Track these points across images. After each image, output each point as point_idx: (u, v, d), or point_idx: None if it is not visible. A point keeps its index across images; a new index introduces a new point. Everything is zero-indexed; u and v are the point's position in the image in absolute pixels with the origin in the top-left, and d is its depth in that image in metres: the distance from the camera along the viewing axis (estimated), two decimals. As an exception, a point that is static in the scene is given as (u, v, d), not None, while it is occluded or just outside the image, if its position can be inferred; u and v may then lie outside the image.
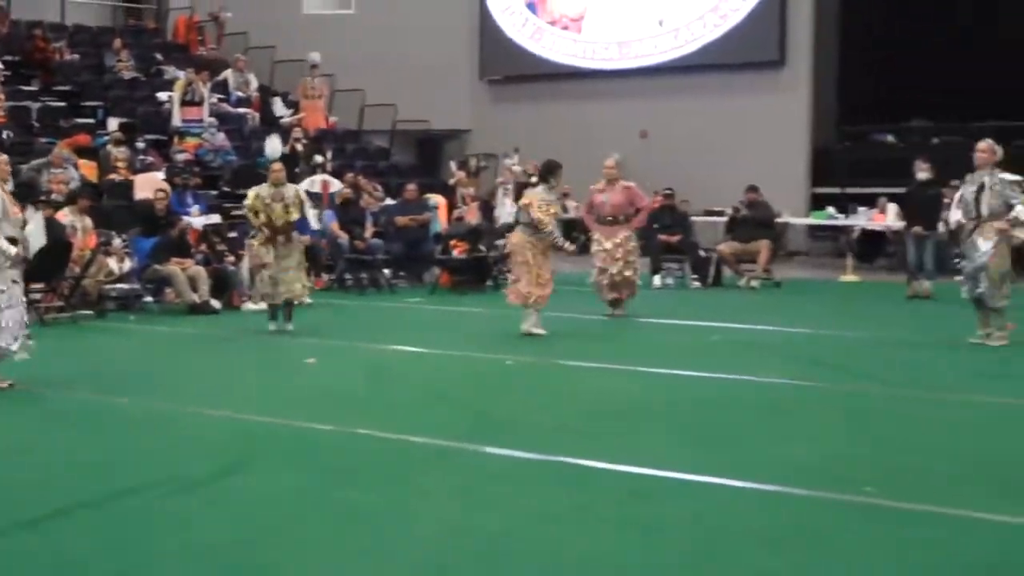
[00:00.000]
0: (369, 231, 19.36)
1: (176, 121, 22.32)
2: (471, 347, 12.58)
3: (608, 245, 14.80)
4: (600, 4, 28.14)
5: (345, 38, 27.71)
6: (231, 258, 16.96)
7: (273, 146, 15.04)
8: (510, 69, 29.09)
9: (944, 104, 24.43)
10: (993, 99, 23.56)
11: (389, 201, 21.17)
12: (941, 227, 17.93)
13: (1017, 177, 12.25)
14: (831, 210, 23.98)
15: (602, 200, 14.96)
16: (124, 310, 15.68)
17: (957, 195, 12.51)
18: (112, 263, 15.65)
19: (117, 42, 25.20)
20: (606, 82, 27.67)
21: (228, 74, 25.10)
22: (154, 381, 10.68)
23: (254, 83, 25.43)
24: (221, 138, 22.30)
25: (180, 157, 21.19)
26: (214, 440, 8.10)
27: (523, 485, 6.84)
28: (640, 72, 27.35)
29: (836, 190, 25.35)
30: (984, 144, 12.26)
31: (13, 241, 9.73)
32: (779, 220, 21.99)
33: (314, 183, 19.89)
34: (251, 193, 13.73)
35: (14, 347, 9.77)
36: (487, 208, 21.59)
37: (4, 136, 19.90)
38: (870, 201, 23.26)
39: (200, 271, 15.95)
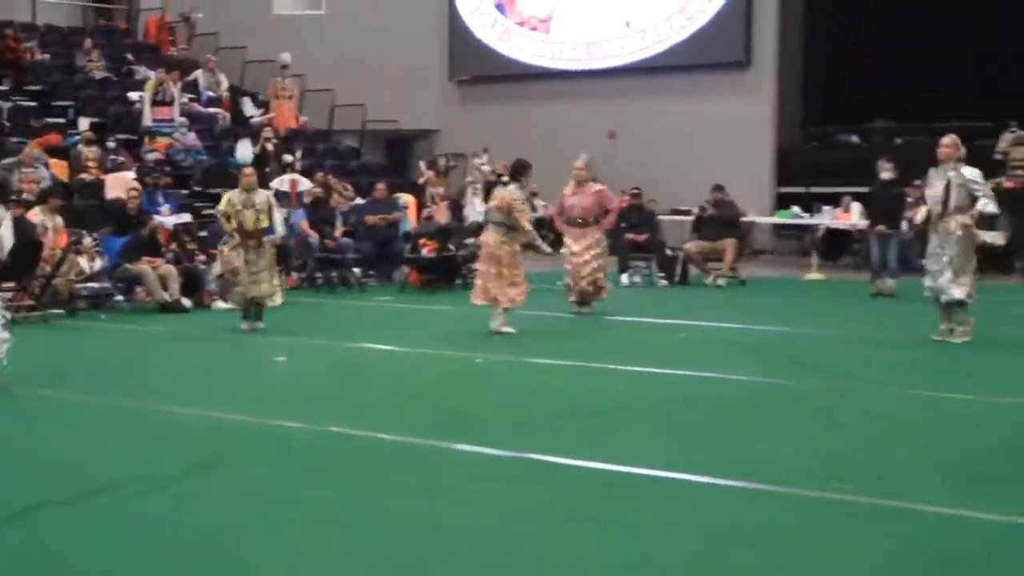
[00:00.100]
0: (339, 230, 19.45)
1: (147, 121, 22.29)
2: (441, 345, 12.62)
3: (576, 248, 14.91)
4: (568, 5, 28.30)
5: (315, 39, 27.77)
6: (202, 257, 17.00)
7: (244, 151, 15.10)
8: (479, 69, 29.21)
9: (907, 105, 24.63)
10: (955, 100, 23.84)
11: (359, 200, 21.25)
12: (904, 226, 18.20)
13: (978, 171, 12.47)
14: (796, 209, 24.17)
15: (572, 203, 15.05)
16: (95, 309, 15.67)
17: (927, 192, 12.58)
18: (83, 262, 15.63)
19: (88, 42, 25.18)
20: (574, 83, 27.83)
21: (199, 74, 25.11)
22: (125, 379, 10.69)
23: (225, 83, 25.44)
24: (192, 138, 22.32)
25: (151, 157, 21.14)
26: (186, 438, 8.10)
27: (494, 482, 6.86)
28: (608, 73, 27.53)
29: (801, 189, 25.51)
30: (948, 139, 12.35)
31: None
32: (745, 219, 22.19)
33: (283, 182, 19.99)
34: (223, 199, 13.83)
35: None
36: (456, 207, 21.73)
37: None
38: (834, 200, 23.42)
39: (171, 270, 15.98)
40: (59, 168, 19.53)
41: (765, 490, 6.60)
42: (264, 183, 15.70)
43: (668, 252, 20.24)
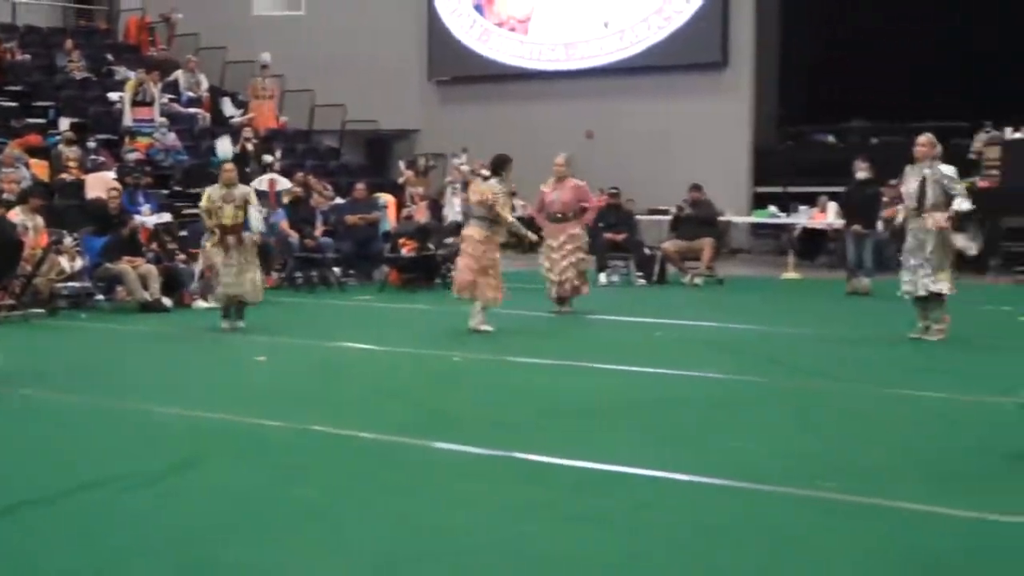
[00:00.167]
0: (319, 230, 19.51)
1: (127, 121, 22.35)
2: (421, 344, 12.65)
3: (554, 243, 15.03)
4: (546, 6, 28.35)
5: (295, 39, 27.82)
6: (182, 256, 17.05)
7: (224, 147, 15.14)
8: (458, 70, 29.24)
9: (882, 105, 24.80)
10: (931, 100, 24.00)
11: (339, 200, 21.28)
12: (880, 226, 18.35)
13: (953, 168, 12.58)
14: (773, 209, 24.34)
15: (552, 198, 15.16)
16: (76, 308, 15.72)
17: (902, 189, 12.66)
18: (63, 262, 15.65)
19: (68, 43, 25.23)
20: (552, 83, 27.91)
21: (179, 74, 25.14)
22: (106, 379, 10.71)
23: (205, 83, 25.46)
24: (172, 138, 22.36)
25: (131, 156, 21.21)
26: (167, 437, 8.12)
27: (474, 480, 6.90)
28: (586, 73, 27.60)
29: (778, 189, 25.63)
30: (924, 138, 12.42)
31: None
32: (722, 219, 22.26)
33: (262, 182, 20.06)
34: (204, 195, 13.93)
35: None
36: (436, 207, 21.80)
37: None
38: (811, 200, 23.61)
39: (151, 269, 16.04)
40: (40, 168, 19.57)
41: (743, 487, 6.64)
42: (244, 183, 15.72)
43: (646, 251, 20.29)
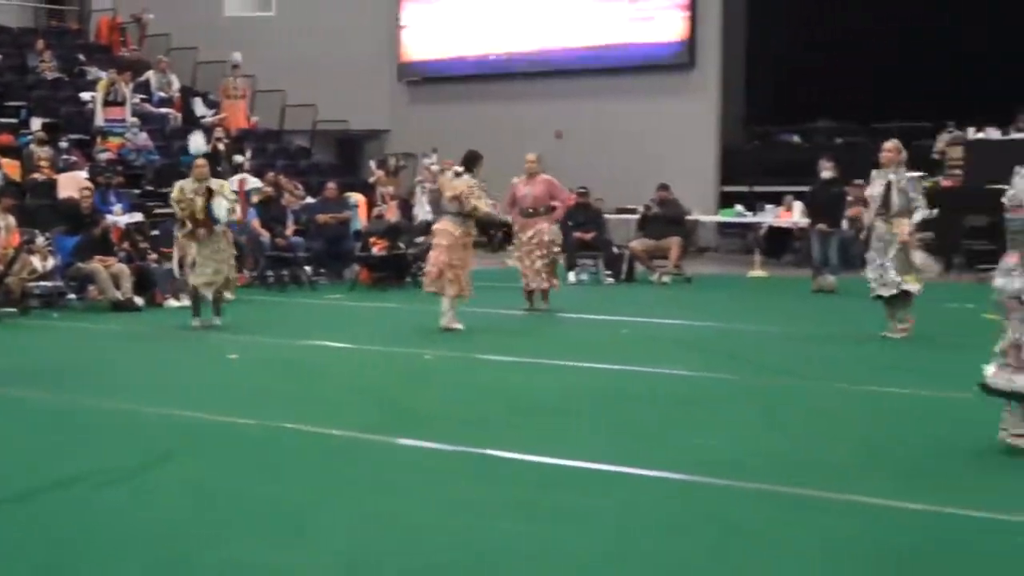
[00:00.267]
0: (290, 229, 19.60)
1: (99, 121, 22.38)
2: (391, 342, 12.70)
3: (524, 237, 15.15)
4: (516, 7, 28.55)
5: (266, 40, 27.85)
6: (154, 256, 17.08)
7: (197, 142, 15.16)
8: (427, 71, 29.47)
9: (847, 106, 25.01)
10: (894, 101, 24.26)
11: (310, 200, 21.38)
12: (845, 224, 18.57)
13: (920, 173, 12.75)
14: (739, 208, 24.46)
15: (524, 193, 15.32)
16: (48, 307, 15.74)
17: (867, 193, 12.80)
18: (36, 261, 15.58)
19: (40, 43, 25.16)
20: (521, 84, 28.04)
21: (150, 75, 25.16)
22: (78, 377, 10.73)
23: (176, 84, 25.48)
24: (143, 138, 22.40)
25: (103, 156, 21.23)
26: (138, 435, 8.15)
27: (442, 476, 6.97)
28: (555, 74, 27.74)
29: (744, 188, 25.80)
30: (890, 144, 12.55)
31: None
32: (689, 218, 22.42)
33: (233, 182, 20.09)
34: (176, 186, 14.01)
35: None
36: (406, 206, 21.86)
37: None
38: (776, 199, 23.79)
39: (123, 269, 16.10)
40: (11, 168, 19.57)
41: (710, 483, 6.73)
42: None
43: (614, 250, 20.46)
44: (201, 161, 14.12)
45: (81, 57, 26.27)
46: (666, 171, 22.38)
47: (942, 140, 23.10)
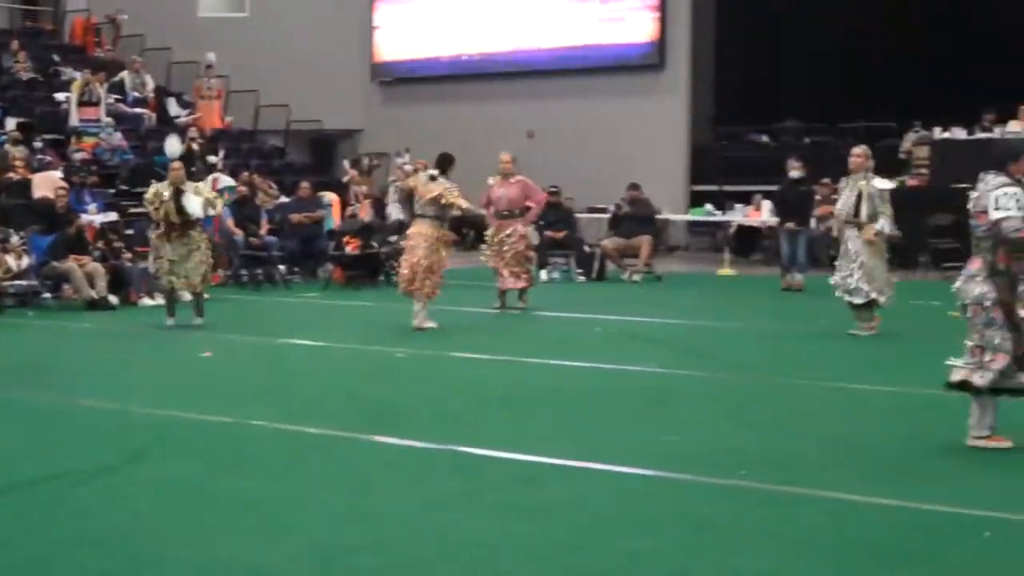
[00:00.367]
0: (264, 228, 19.67)
1: (74, 121, 22.41)
2: (364, 341, 12.82)
3: (500, 238, 15.27)
4: (488, 8, 28.69)
5: (240, 40, 27.83)
6: (128, 255, 17.13)
7: (173, 145, 15.23)
8: (400, 71, 29.59)
9: (815, 106, 25.19)
10: (862, 101, 24.48)
11: (284, 199, 21.47)
12: (813, 223, 18.76)
13: (889, 185, 12.96)
14: (709, 207, 24.70)
15: (499, 194, 15.40)
16: (23, 306, 15.80)
17: (837, 205, 12.97)
18: (10, 260, 15.70)
19: (15, 43, 25.15)
20: (494, 84, 28.15)
21: (125, 75, 25.17)
22: (52, 375, 10.83)
23: (150, 84, 25.52)
24: (118, 138, 22.42)
25: (78, 156, 21.23)
26: (112, 432, 8.21)
27: (414, 472, 7.05)
28: (526, 75, 27.86)
29: (713, 188, 25.94)
30: (859, 150, 12.81)
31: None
32: (659, 217, 22.53)
33: (207, 181, 20.16)
34: (152, 189, 14.10)
35: None
36: (379, 206, 21.94)
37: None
38: (745, 198, 24.01)
39: (97, 268, 16.17)
40: (-14, 168, 19.63)
41: (676, 478, 6.84)
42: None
43: (586, 249, 20.61)
44: (177, 164, 14.19)
45: (56, 57, 26.29)
46: (637, 171, 22.51)
47: (908, 140, 23.28)
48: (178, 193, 13.71)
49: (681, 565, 5.44)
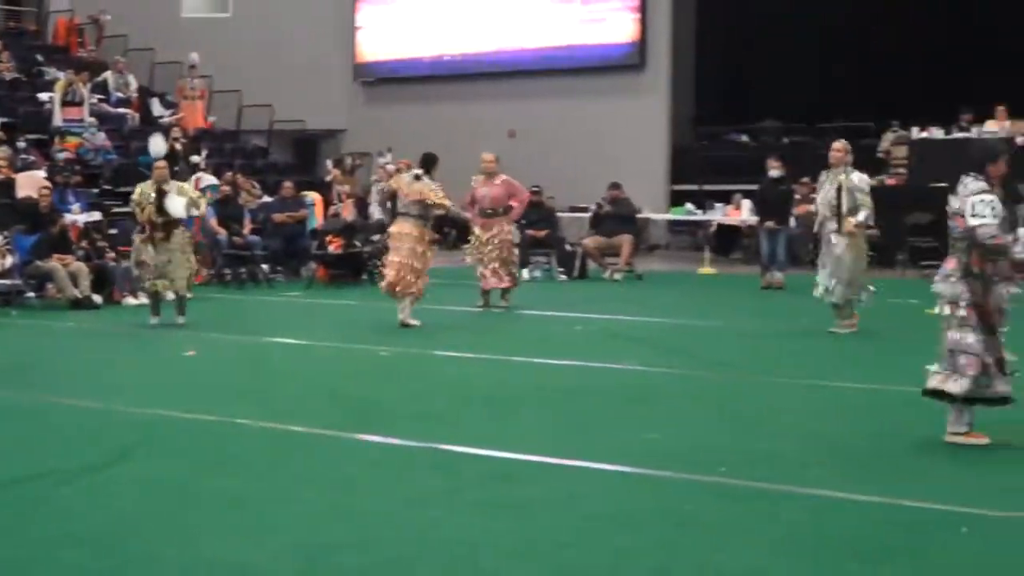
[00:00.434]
0: (247, 227, 19.71)
1: (57, 121, 22.41)
2: (347, 339, 12.85)
3: (484, 237, 15.34)
4: (469, 8, 28.78)
5: (222, 40, 27.95)
6: (111, 254, 17.16)
7: (157, 145, 15.26)
8: (383, 71, 29.68)
9: (794, 106, 25.29)
10: (840, 100, 24.60)
11: (267, 198, 21.51)
12: (792, 222, 18.89)
13: (869, 181, 13.09)
14: (689, 206, 24.83)
15: (483, 193, 15.44)
16: (6, 305, 15.72)
17: (818, 197, 13.05)
18: (-6, 259, 15.74)
19: (-2, 44, 25.26)
20: (475, 84, 28.29)
21: (108, 75, 25.21)
22: (36, 374, 10.80)
23: (134, 84, 25.55)
24: (101, 137, 22.44)
25: (61, 156, 21.21)
26: (96, 431, 8.21)
27: (398, 470, 7.05)
28: (508, 75, 28.00)
29: (694, 187, 26.06)
30: (839, 144, 12.87)
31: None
32: (640, 216, 22.67)
33: (190, 181, 20.21)
34: (137, 189, 14.14)
35: None
36: (362, 205, 22.00)
37: None
38: (725, 197, 24.13)
39: (81, 267, 16.17)
40: (-30, 168, 19.62)
41: (656, 476, 6.87)
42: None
43: (567, 248, 20.70)
44: (161, 164, 14.21)
45: (39, 58, 26.28)
46: (618, 170, 22.63)
47: (887, 139, 23.44)
48: (161, 193, 13.73)
49: (662, 562, 5.45)
